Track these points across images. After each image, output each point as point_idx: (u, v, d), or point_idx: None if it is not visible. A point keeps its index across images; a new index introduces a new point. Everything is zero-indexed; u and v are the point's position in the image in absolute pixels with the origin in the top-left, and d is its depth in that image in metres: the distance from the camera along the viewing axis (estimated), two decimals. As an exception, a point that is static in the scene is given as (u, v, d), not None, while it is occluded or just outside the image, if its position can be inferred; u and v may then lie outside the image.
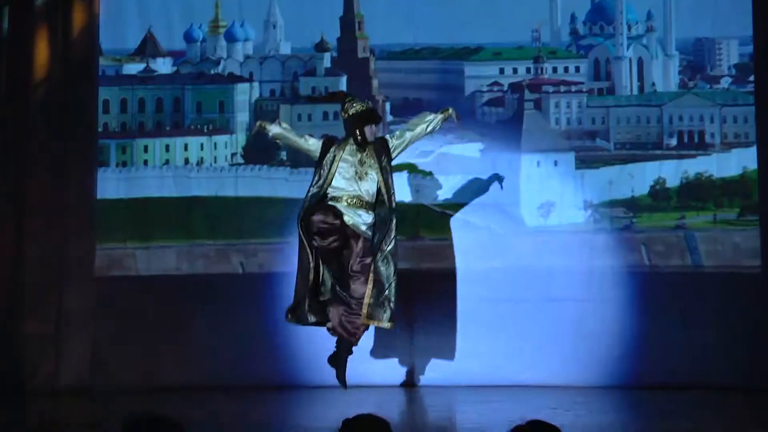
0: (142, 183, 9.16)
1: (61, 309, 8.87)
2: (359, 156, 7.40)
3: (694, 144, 9.14)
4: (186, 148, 9.28)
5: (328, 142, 7.41)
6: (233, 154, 9.26)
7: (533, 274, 8.87)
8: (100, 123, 9.15)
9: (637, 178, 9.08)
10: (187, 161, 9.27)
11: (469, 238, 8.95)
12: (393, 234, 7.22)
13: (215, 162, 9.23)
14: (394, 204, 7.29)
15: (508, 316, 8.79)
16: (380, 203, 7.28)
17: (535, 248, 8.93)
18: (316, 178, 7.31)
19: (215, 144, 9.29)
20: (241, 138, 9.25)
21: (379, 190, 7.29)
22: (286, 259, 8.70)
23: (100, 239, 9.01)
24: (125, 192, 9.14)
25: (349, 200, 7.28)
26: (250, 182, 9.09)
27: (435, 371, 8.78)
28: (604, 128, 9.21)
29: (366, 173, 7.36)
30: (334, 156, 7.37)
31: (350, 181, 7.30)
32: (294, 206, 8.52)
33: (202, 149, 9.28)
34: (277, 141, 7.45)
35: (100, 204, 9.02)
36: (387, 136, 7.54)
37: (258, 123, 7.43)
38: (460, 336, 8.81)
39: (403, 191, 9.06)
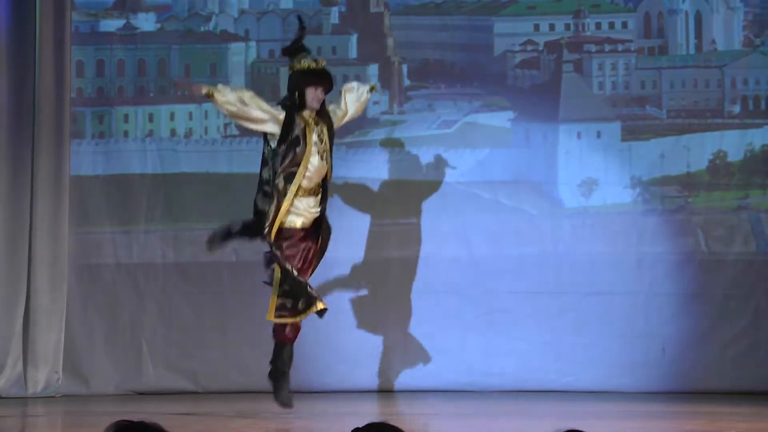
0: (122, 157, 9.09)
1: (28, 303, 8.80)
2: (317, 130, 7.24)
3: (760, 111, 9.05)
4: (172, 117, 9.22)
5: (291, 109, 7.17)
6: (227, 125, 9.19)
7: (573, 262, 8.82)
8: (73, 88, 9.05)
9: (694, 152, 9.00)
10: (173, 132, 9.20)
11: (498, 220, 8.89)
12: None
13: (206, 134, 9.17)
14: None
15: (545, 311, 8.75)
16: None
17: (575, 232, 8.87)
18: (290, 156, 7.13)
19: (206, 113, 9.22)
20: (235, 105, 9.24)
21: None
22: (288, 245, 8.82)
23: (73, 222, 8.93)
24: (102, 168, 9.07)
25: (312, 190, 7.21)
26: (247, 157, 8.99)
27: (458, 374, 8.73)
28: (655, 93, 9.12)
29: (325, 152, 7.23)
30: (305, 127, 7.19)
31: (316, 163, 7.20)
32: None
33: (190, 119, 9.20)
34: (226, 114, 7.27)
35: (73, 182, 8.94)
36: (331, 108, 7.38)
37: (207, 89, 7.19)
38: (488, 334, 8.77)
39: (421, 167, 9.01)
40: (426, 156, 9.06)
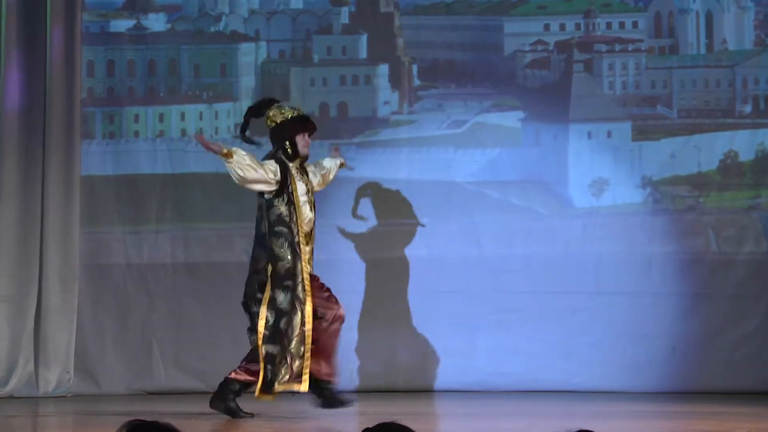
0: (133, 157, 9.14)
1: (39, 304, 8.84)
2: (304, 180, 7.29)
3: (771, 111, 9.05)
4: (183, 117, 9.25)
5: (283, 162, 7.24)
6: (237, 125, 9.02)
7: (583, 262, 8.85)
8: (84, 88, 9.08)
9: (705, 151, 9.01)
10: (183, 133, 9.22)
11: (508, 220, 8.91)
12: None
13: (216, 134, 9.18)
14: None
15: (554, 310, 8.76)
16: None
17: (585, 232, 8.89)
18: (287, 212, 7.17)
19: (216, 113, 9.27)
20: (245, 106, 8.96)
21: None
22: (298, 245, 8.82)
23: (84, 222, 8.96)
24: (113, 168, 9.11)
25: (309, 239, 7.26)
26: (257, 157, 8.81)
27: (466, 373, 8.75)
28: (666, 93, 9.13)
29: (313, 200, 7.30)
30: (294, 179, 7.24)
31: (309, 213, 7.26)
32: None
33: (201, 119, 9.24)
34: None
35: (84, 182, 8.98)
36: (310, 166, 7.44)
37: (227, 149, 7.24)
38: (497, 333, 8.77)
39: (431, 167, 9.04)
40: (436, 156, 9.09)
